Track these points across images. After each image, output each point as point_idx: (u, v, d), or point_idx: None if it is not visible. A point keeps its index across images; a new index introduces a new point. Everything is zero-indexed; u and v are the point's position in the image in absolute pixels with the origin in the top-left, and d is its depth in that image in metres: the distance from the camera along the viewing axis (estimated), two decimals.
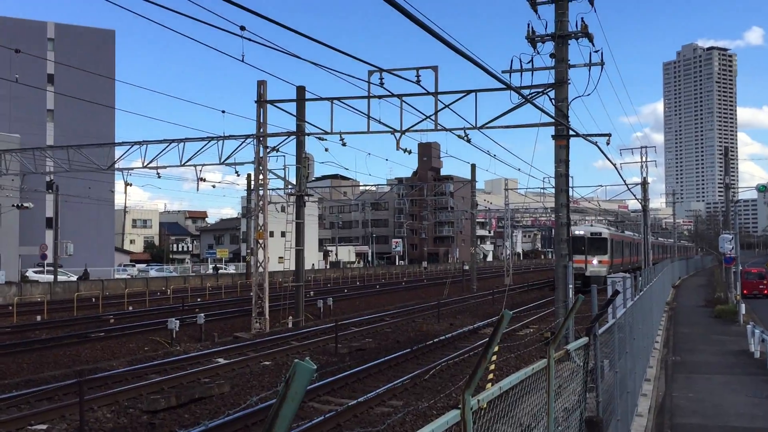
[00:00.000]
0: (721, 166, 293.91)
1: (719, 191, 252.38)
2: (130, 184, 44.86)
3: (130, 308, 34.59)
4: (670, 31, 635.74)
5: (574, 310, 5.85)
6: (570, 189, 19.07)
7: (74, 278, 51.17)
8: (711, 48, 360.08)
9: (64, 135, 61.43)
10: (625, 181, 39.62)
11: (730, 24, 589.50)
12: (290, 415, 1.73)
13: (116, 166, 32.24)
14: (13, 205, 47.87)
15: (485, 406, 3.69)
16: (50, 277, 49.21)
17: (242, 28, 10.87)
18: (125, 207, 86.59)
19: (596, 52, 18.54)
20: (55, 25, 70.39)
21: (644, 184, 48.52)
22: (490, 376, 14.16)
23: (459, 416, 3.19)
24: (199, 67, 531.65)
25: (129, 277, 58.20)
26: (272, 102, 25.26)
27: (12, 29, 64.48)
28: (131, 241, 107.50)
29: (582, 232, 42.81)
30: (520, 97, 17.43)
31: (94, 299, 38.13)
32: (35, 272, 55.53)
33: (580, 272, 37.93)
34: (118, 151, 49.16)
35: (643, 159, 48.87)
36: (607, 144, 20.60)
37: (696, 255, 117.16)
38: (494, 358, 16.15)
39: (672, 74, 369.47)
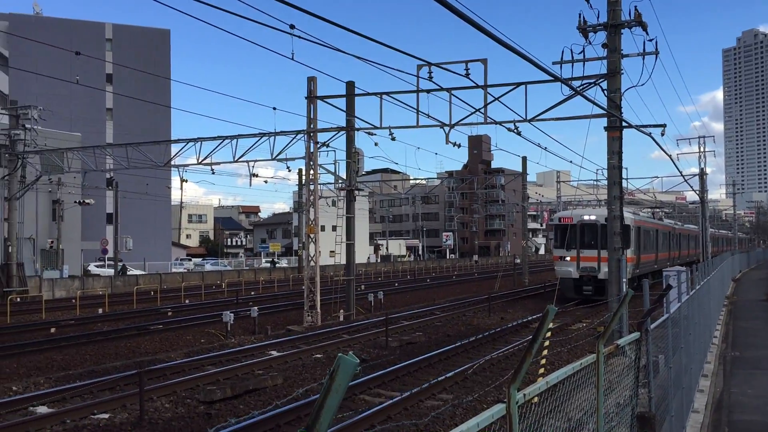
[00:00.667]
0: None
1: None
2: (186, 180, 46.13)
3: (187, 301, 35.48)
4: (729, 16, 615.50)
5: (623, 305, 5.80)
6: (624, 181, 18.75)
7: (136, 272, 52.69)
8: None
9: (123, 133, 63.40)
10: (681, 172, 38.52)
11: None
12: (335, 406, 1.82)
13: (172, 162, 33.07)
14: (75, 202, 49.71)
15: (535, 400, 3.71)
16: (111, 271, 50.87)
17: (292, 26, 11.04)
18: (181, 202, 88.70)
19: (650, 40, 18.13)
20: (113, 26, 72.39)
21: (702, 174, 47.20)
22: (542, 370, 14.08)
23: (504, 410, 3.23)
24: (250, 65, 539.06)
25: (185, 271, 59.61)
26: (322, 98, 25.46)
27: (72, 31, 66.73)
28: (187, 236, 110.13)
29: (593, 218, 29.72)
30: (570, 89, 17.19)
31: (152, 293, 39.27)
32: (97, 266, 57.45)
33: (590, 273, 29.48)
34: (174, 148, 50.50)
35: (701, 149, 47.58)
36: (662, 135, 20.16)
37: (758, 247, 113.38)
38: (545, 352, 16.04)
39: (732, 61, 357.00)
